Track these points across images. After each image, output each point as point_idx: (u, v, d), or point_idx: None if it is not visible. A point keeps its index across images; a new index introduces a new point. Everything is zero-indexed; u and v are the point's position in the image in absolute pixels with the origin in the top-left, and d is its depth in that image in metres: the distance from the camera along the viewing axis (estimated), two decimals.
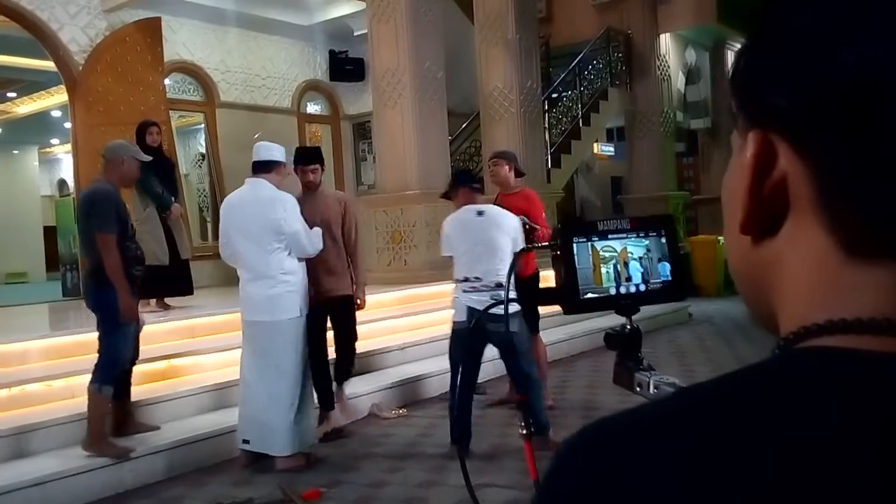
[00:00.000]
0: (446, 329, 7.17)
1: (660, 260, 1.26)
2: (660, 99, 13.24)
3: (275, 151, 4.64)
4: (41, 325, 7.34)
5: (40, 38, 9.54)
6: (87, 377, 5.01)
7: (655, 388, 1.16)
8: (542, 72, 10.82)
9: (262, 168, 4.55)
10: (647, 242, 1.24)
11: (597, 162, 15.88)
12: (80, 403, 4.80)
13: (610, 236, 1.23)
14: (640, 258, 1.24)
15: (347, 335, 5.22)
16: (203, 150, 12.49)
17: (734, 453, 0.40)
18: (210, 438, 4.65)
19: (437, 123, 8.86)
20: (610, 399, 5.59)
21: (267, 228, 4.39)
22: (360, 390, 5.58)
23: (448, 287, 8.10)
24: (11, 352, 5.26)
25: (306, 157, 5.18)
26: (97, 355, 4.33)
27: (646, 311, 4.64)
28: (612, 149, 15.84)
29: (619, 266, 1.23)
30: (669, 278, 1.25)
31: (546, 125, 11.07)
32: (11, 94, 15.60)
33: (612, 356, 1.18)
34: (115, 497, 4.10)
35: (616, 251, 1.23)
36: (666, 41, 13.69)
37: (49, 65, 10.86)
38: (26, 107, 16.49)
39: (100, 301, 4.30)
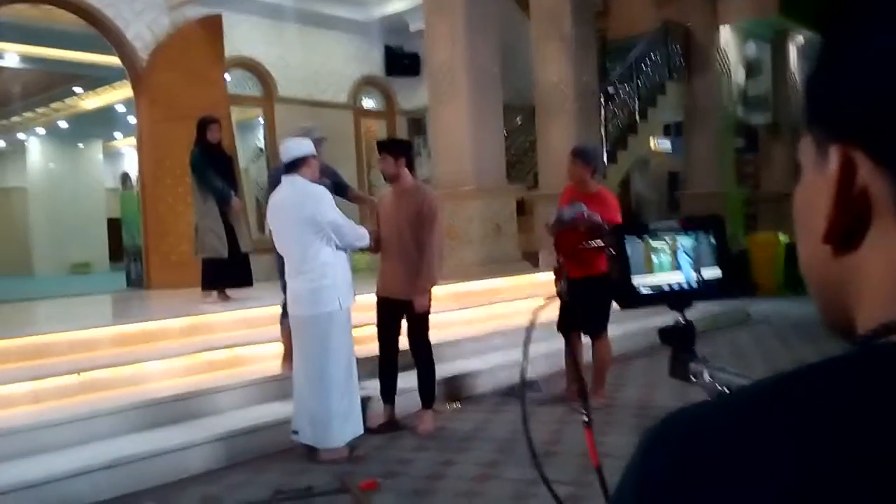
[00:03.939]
0: (499, 325, 7.23)
1: (710, 257, 1.28)
2: (719, 93, 13.02)
3: (301, 147, 4.67)
4: (109, 314, 7.58)
5: (107, 34, 9.82)
6: (152, 364, 5.20)
7: (710, 377, 1.18)
8: (598, 66, 10.73)
9: (294, 166, 4.62)
10: (697, 240, 1.26)
11: (652, 157, 15.68)
12: (145, 390, 4.98)
13: (661, 234, 1.25)
14: (690, 252, 1.26)
15: (416, 349, 5.09)
16: (261, 145, 12.72)
17: (834, 441, 0.42)
18: (269, 428, 4.75)
19: (492, 119, 8.87)
20: (665, 398, 5.54)
21: (302, 224, 4.46)
22: (413, 384, 5.61)
23: (502, 283, 8.14)
24: (81, 339, 5.44)
25: (377, 145, 5.30)
26: None
27: (703, 310, 4.60)
28: (668, 144, 15.62)
29: (670, 258, 1.25)
30: (720, 275, 1.27)
31: (602, 120, 10.98)
32: (77, 89, 16.09)
33: (667, 354, 1.21)
34: (180, 482, 4.23)
35: (667, 247, 1.25)
36: (725, 34, 13.44)
37: (113, 60, 11.19)
38: (91, 101, 16.98)
39: None
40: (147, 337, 5.71)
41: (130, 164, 22.02)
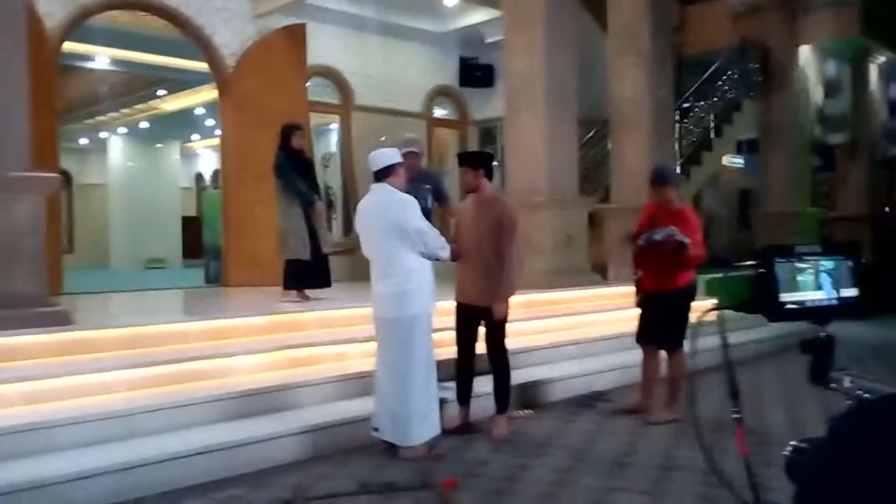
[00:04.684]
0: (570, 335, 7.31)
1: (848, 279, 1.40)
2: (796, 112, 12.84)
3: (388, 156, 4.86)
4: (195, 308, 7.87)
5: (196, 41, 10.22)
6: (239, 358, 5.43)
7: (850, 383, 1.30)
8: (673, 81, 10.72)
9: (382, 175, 4.81)
10: (837, 264, 1.39)
11: (723, 173, 15.53)
12: (233, 382, 5.21)
13: (805, 257, 1.38)
14: (832, 275, 1.38)
15: (492, 355, 5.19)
16: (330, 150, 13.05)
17: None
18: (350, 423, 4.92)
19: (567, 131, 8.94)
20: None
21: (389, 230, 4.65)
22: (486, 389, 5.73)
23: (572, 294, 8.22)
24: (174, 331, 5.72)
25: (458, 157, 5.47)
26: None
27: (773, 331, 4.77)
28: (741, 161, 15.45)
29: (813, 278, 1.38)
30: (856, 295, 1.39)
31: (677, 135, 10.96)
32: (162, 92, 16.71)
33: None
34: (268, 470, 4.42)
35: (811, 268, 1.38)
36: (805, 52, 13.26)
37: (195, 65, 11.64)
38: (172, 104, 17.60)
39: None
40: (232, 332, 5.95)
41: (204, 164, 22.75)
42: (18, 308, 5.20)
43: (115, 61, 13.96)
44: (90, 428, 4.41)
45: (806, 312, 1.33)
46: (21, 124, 5.43)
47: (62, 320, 5.40)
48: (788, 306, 1.32)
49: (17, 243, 5.25)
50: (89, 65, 13.95)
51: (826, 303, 1.33)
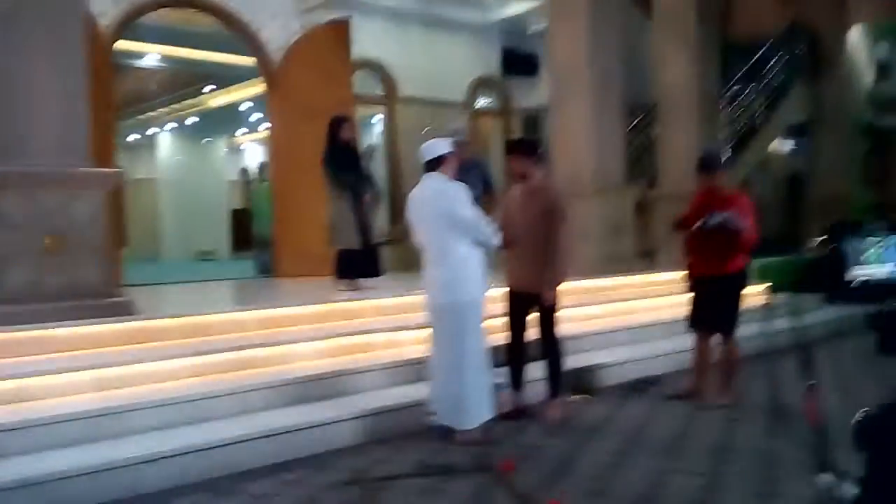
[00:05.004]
0: (620, 321, 7.33)
1: None
2: (847, 95, 12.59)
3: (439, 147, 4.94)
4: (252, 298, 8.05)
5: (244, 36, 10.40)
6: (296, 345, 5.57)
7: None
8: (720, 66, 10.60)
9: (433, 165, 4.89)
10: None
11: (773, 159, 15.27)
12: (292, 369, 5.35)
13: (873, 233, 1.43)
14: None
15: (544, 341, 5.27)
16: (372, 142, 13.14)
17: None
18: (406, 408, 5.04)
19: (612, 119, 8.94)
20: (792, 398, 5.52)
21: (441, 218, 4.75)
22: (540, 374, 5.78)
23: (621, 281, 8.22)
24: (233, 320, 5.88)
25: (506, 145, 5.53)
26: None
27: (828, 314, 4.74)
28: (791, 145, 15.18)
29: (880, 253, 1.43)
30: None
31: (724, 121, 10.85)
32: (209, 88, 17.01)
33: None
34: (328, 454, 4.56)
35: (878, 244, 1.43)
36: (855, 34, 12.98)
37: (240, 60, 11.83)
38: (218, 99, 17.91)
39: None
40: (290, 320, 6.09)
41: (251, 158, 23.08)
42: (86, 299, 5.41)
43: (164, 58, 14.26)
44: (158, 413, 4.58)
45: (871, 288, 1.37)
46: (83, 121, 5.62)
47: (127, 310, 5.60)
48: (853, 285, 1.37)
49: (83, 236, 5.45)
50: (139, 62, 14.28)
51: (893, 275, 1.37)
